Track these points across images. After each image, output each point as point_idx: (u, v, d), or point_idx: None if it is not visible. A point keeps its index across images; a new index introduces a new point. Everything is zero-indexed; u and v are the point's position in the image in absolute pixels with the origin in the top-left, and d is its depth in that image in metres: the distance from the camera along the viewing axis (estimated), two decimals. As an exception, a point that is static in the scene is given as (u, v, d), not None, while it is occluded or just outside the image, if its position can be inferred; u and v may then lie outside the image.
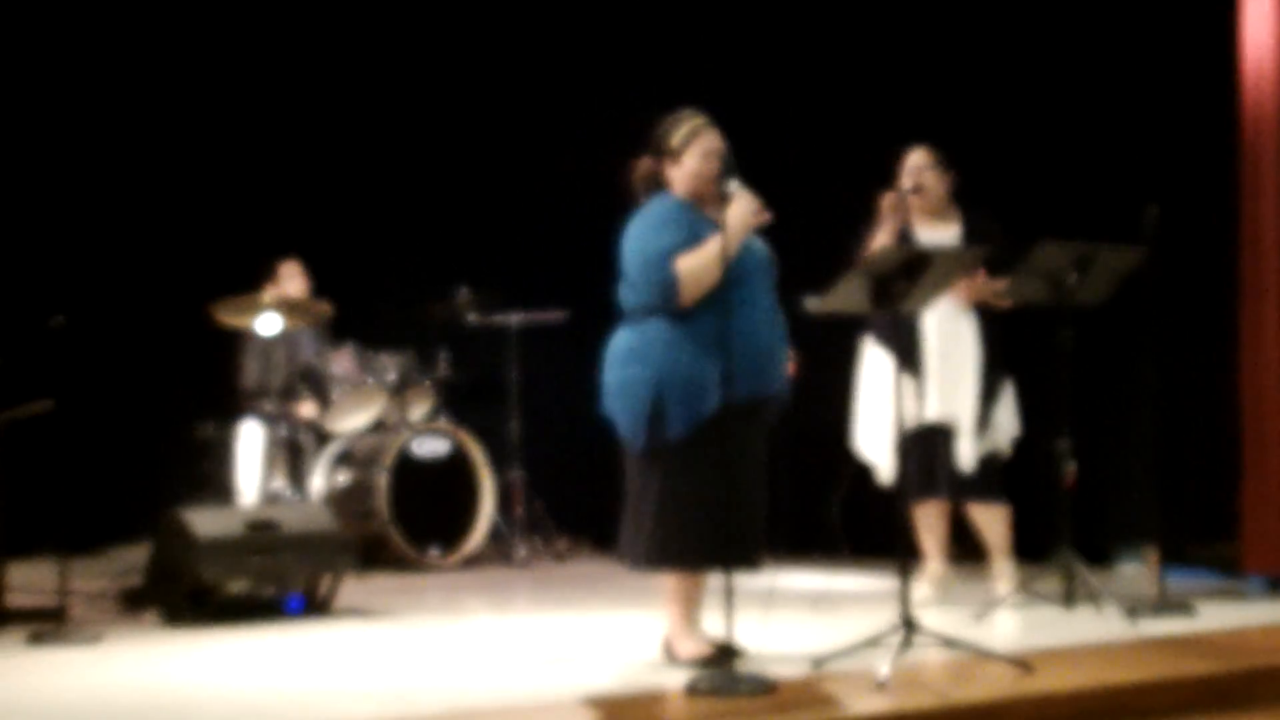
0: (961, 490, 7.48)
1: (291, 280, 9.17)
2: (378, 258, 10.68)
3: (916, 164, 7.53)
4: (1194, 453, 8.04)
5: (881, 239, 7.24)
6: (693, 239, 5.86)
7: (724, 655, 5.70)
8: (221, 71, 10.42)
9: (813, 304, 6.19)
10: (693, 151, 5.98)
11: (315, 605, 7.43)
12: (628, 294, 5.98)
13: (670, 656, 5.94)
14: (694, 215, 5.95)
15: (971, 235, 7.46)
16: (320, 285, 9.31)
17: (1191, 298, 7.86)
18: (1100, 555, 8.11)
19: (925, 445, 7.45)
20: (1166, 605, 6.93)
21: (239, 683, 5.97)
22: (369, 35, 10.69)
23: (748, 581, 5.90)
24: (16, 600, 7.17)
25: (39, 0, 10.05)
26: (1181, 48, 8.05)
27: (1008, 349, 7.47)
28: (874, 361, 7.47)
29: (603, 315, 6.09)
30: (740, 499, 5.82)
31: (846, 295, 6.11)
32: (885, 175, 7.50)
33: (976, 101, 8.74)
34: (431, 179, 10.65)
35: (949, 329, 7.45)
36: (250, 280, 8.91)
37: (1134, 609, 6.84)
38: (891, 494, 7.17)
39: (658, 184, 6.07)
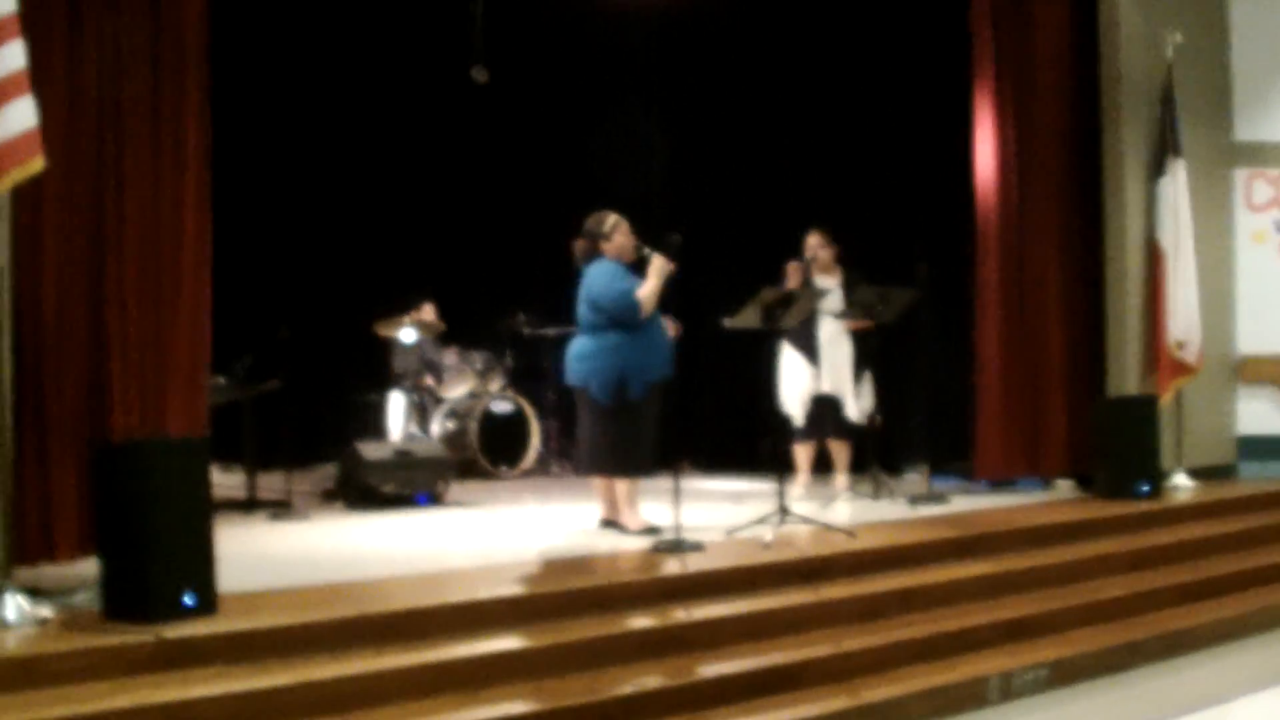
0: (835, 433, 7.38)
1: (425, 312, 9.12)
2: (471, 293, 10.57)
3: (812, 242, 7.34)
4: (949, 405, 7.92)
5: (792, 283, 7.11)
6: (635, 282, 5.96)
7: (658, 529, 5.77)
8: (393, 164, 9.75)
9: (728, 322, 6.17)
10: (619, 233, 6.07)
11: (435, 499, 7.42)
12: (591, 316, 6.01)
13: (623, 528, 5.98)
14: (627, 269, 6.05)
15: (846, 285, 7.32)
16: (438, 310, 9.23)
17: (947, 314, 7.74)
18: (895, 468, 8.02)
19: (819, 406, 7.35)
20: (932, 497, 6.96)
21: (391, 543, 6.01)
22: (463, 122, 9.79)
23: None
24: (263, 495, 7.17)
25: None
26: (943, 163, 7.90)
27: (869, 354, 7.33)
28: (789, 357, 7.34)
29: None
30: (652, 435, 5.97)
31: (748, 317, 6.13)
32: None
33: (824, 200, 8.48)
34: (503, 245, 10.38)
35: (833, 339, 7.32)
36: (396, 307, 8.79)
37: (914, 499, 6.88)
38: (784, 434, 7.16)
39: (591, 255, 6.10)
